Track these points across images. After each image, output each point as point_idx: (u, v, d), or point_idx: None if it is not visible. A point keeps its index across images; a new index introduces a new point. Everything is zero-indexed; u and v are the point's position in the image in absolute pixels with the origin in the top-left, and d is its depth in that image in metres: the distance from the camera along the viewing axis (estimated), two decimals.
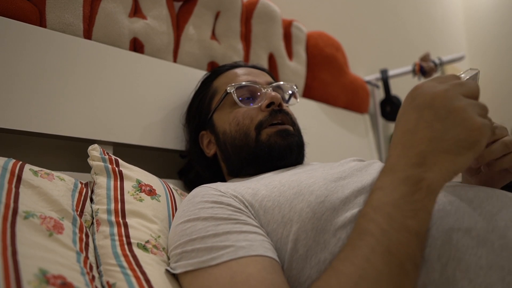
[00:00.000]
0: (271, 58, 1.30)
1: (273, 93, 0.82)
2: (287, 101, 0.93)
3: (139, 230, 0.63)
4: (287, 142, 0.79)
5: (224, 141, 0.84)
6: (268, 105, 0.82)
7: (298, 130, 0.86)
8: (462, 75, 0.53)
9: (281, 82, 0.91)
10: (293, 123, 0.84)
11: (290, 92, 0.94)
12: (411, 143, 0.46)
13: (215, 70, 0.94)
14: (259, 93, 0.84)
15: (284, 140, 0.79)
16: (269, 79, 0.90)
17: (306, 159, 0.88)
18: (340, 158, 0.92)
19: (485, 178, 0.63)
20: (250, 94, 0.84)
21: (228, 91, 0.84)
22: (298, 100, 0.95)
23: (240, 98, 0.84)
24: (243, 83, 0.84)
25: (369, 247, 0.43)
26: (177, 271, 0.56)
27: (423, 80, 1.71)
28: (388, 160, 0.48)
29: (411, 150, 0.45)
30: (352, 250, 0.44)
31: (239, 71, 0.90)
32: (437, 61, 1.60)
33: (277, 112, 0.81)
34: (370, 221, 0.44)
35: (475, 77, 0.54)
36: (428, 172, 0.44)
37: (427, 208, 0.44)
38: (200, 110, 0.91)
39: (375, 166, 0.69)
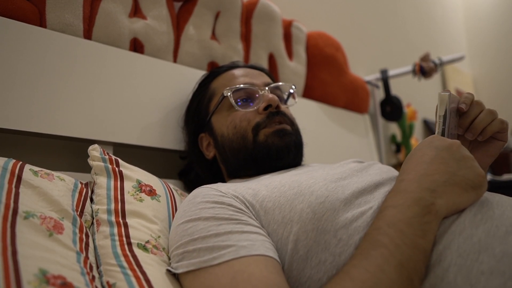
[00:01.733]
0: (271, 58, 1.30)
1: (270, 95, 0.82)
2: (285, 102, 0.92)
3: (139, 230, 0.63)
4: (284, 142, 0.79)
5: (222, 144, 0.84)
6: (266, 108, 0.81)
7: (297, 129, 0.85)
8: (439, 105, 0.62)
9: (280, 83, 0.90)
10: (291, 123, 0.84)
11: (289, 92, 0.94)
12: (426, 171, 0.53)
13: (213, 71, 0.94)
14: (256, 95, 0.84)
15: (282, 140, 0.79)
16: (267, 79, 0.89)
17: (306, 159, 0.88)
18: (340, 158, 0.92)
19: (480, 150, 0.68)
20: (247, 96, 0.84)
21: (225, 95, 0.84)
22: (297, 100, 0.95)
23: (237, 101, 0.83)
24: (240, 86, 0.84)
25: (383, 258, 0.46)
26: (178, 271, 0.56)
27: (423, 80, 1.71)
28: (400, 183, 0.54)
29: (425, 177, 0.52)
30: (365, 259, 0.46)
31: (237, 72, 0.89)
32: (437, 61, 1.60)
33: (275, 114, 0.81)
34: (383, 234, 0.48)
35: (453, 99, 0.61)
36: (438, 199, 0.50)
37: (434, 231, 0.49)
38: (198, 113, 0.91)
39: (375, 167, 0.69)
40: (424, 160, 0.54)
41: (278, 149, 0.78)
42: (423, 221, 0.48)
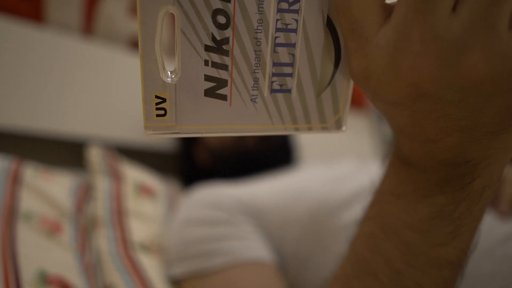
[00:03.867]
0: None
1: None
2: None
3: (138, 231, 0.63)
4: (274, 145, 0.78)
5: (212, 152, 0.84)
6: None
7: None
8: None
9: None
10: None
11: None
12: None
13: None
14: None
15: (271, 142, 0.78)
16: None
17: (305, 159, 0.88)
18: (340, 158, 0.92)
19: None
20: None
21: None
22: None
23: None
24: None
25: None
26: (174, 275, 0.56)
27: None
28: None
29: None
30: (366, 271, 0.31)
31: None
32: None
33: None
34: (376, 253, 0.30)
35: None
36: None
37: (469, 222, 0.28)
38: None
39: (374, 167, 0.69)
40: None
41: (268, 152, 0.78)
42: (455, 216, 0.27)
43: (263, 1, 0.23)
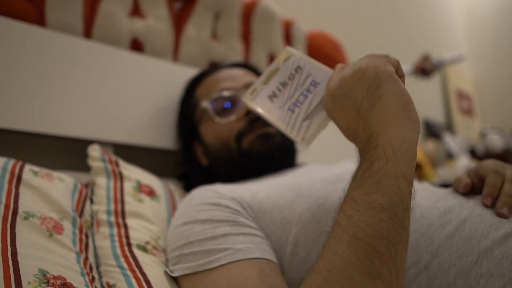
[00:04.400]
0: (271, 58, 1.30)
1: None
2: None
3: (139, 231, 0.63)
4: (267, 147, 0.77)
5: (210, 154, 0.84)
6: (247, 113, 0.79)
7: None
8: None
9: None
10: None
11: None
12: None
13: (196, 78, 0.92)
14: (236, 101, 0.81)
15: (265, 144, 0.77)
16: (249, 78, 0.86)
17: (306, 160, 0.88)
18: (340, 158, 0.92)
19: None
20: (227, 104, 0.81)
21: (203, 107, 0.82)
22: None
23: (219, 111, 0.81)
24: (217, 95, 0.81)
25: (336, 238, 0.41)
26: (175, 274, 0.56)
27: (423, 80, 1.71)
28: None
29: (350, 127, 0.52)
30: (324, 246, 0.42)
31: (218, 76, 0.87)
32: (437, 60, 1.60)
33: (256, 119, 0.78)
34: (339, 211, 0.43)
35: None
36: (374, 134, 0.45)
37: (388, 176, 0.41)
38: (187, 122, 0.89)
39: None
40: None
41: (262, 155, 0.77)
42: (372, 172, 0.41)
43: (309, 89, 0.56)
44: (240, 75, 0.87)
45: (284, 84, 0.56)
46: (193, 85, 0.91)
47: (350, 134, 0.49)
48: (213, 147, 0.82)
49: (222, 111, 0.81)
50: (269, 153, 0.77)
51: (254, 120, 0.78)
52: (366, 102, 0.45)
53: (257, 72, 0.93)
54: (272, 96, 0.57)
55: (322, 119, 0.52)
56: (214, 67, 0.93)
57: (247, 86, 0.82)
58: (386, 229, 0.39)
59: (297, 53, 0.57)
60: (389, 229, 0.39)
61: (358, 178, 0.43)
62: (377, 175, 0.41)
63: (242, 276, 0.50)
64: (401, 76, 0.48)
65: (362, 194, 0.41)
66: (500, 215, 0.49)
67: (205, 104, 0.82)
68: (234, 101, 0.81)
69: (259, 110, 0.57)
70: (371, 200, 0.40)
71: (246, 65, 0.94)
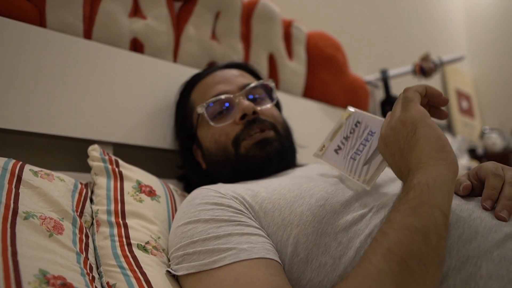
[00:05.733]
0: (271, 58, 1.30)
1: (245, 103, 0.77)
2: (270, 97, 0.86)
3: (139, 231, 0.63)
4: (265, 153, 0.76)
5: (208, 158, 0.83)
6: (242, 117, 0.78)
7: (283, 131, 0.82)
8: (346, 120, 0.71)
9: (252, 84, 0.83)
10: (273, 126, 0.80)
11: (270, 87, 0.87)
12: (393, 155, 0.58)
13: (191, 81, 0.91)
14: (232, 104, 0.80)
15: (263, 150, 0.76)
16: (245, 80, 0.85)
17: (306, 160, 0.87)
18: None
19: None
20: (222, 107, 0.80)
21: (199, 112, 0.82)
22: (276, 96, 0.88)
23: (214, 115, 0.80)
24: (212, 100, 0.80)
25: (372, 250, 0.45)
26: (178, 273, 0.56)
27: (423, 80, 1.71)
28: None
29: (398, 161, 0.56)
30: (361, 258, 0.46)
31: (212, 79, 0.86)
32: (437, 61, 1.60)
33: (252, 122, 0.77)
34: (378, 232, 0.47)
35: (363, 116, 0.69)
36: (413, 172, 0.51)
37: (425, 204, 0.45)
38: (185, 126, 0.88)
39: None
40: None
41: (260, 160, 0.76)
42: (408, 199, 0.46)
43: (367, 138, 0.64)
44: (235, 77, 0.86)
45: (346, 138, 0.66)
46: (188, 88, 0.90)
47: (397, 173, 0.55)
48: (211, 151, 0.81)
49: (218, 115, 0.81)
50: (267, 158, 0.76)
51: (250, 123, 0.77)
52: (407, 146, 0.52)
53: (252, 72, 0.92)
54: (338, 150, 0.66)
55: (379, 162, 0.60)
56: (208, 68, 0.92)
57: (242, 88, 0.82)
58: (418, 249, 0.42)
59: (357, 111, 0.69)
60: (421, 249, 0.42)
61: (395, 205, 0.48)
62: (413, 202, 0.46)
63: (248, 275, 0.50)
64: (435, 95, 0.57)
65: (398, 216, 0.46)
66: (500, 218, 0.49)
67: (201, 109, 0.81)
68: (230, 103, 0.81)
69: (328, 163, 0.67)
70: (406, 221, 0.44)
71: (241, 65, 0.93)
